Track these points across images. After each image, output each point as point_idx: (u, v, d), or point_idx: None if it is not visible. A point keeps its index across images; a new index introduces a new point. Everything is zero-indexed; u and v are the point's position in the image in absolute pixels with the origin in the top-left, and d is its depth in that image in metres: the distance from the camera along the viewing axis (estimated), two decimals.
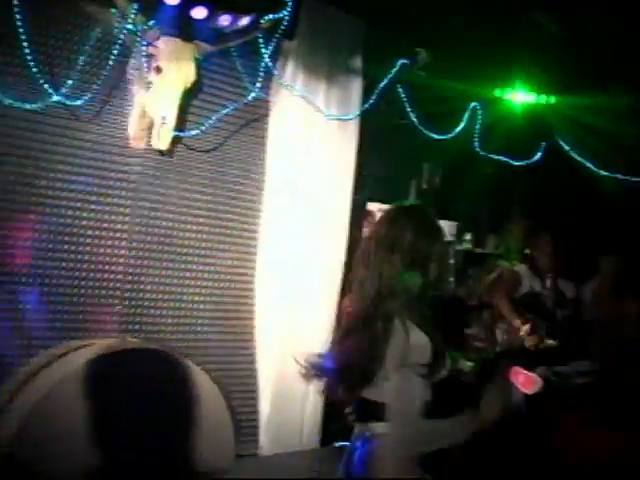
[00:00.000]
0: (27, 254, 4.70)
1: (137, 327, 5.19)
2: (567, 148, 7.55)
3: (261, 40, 5.21)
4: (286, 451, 5.72)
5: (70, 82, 4.55)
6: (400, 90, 6.28)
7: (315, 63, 5.69)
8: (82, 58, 4.62)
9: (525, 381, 5.42)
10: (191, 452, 4.82)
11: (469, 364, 5.97)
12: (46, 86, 4.44)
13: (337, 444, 6.11)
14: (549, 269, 6.28)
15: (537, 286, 6.17)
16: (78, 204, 4.89)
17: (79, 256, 4.92)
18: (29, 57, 4.34)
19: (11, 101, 4.36)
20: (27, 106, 4.44)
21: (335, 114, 5.82)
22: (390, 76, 6.02)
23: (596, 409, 4.26)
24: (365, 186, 6.48)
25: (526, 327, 5.85)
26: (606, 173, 7.70)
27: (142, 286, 5.22)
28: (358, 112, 5.91)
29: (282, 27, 5.23)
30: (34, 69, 4.37)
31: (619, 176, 7.52)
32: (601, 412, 4.09)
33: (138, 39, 4.77)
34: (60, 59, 4.65)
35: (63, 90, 4.52)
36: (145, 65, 4.80)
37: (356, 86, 5.95)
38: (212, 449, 4.99)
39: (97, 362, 4.46)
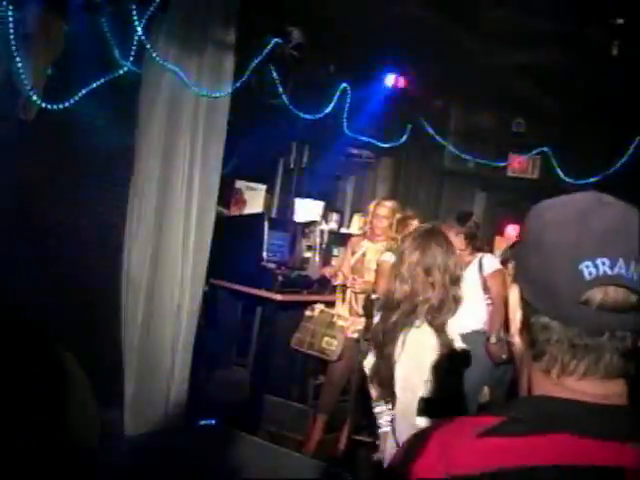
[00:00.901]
0: None
1: None
2: (431, 131, 7.78)
3: (134, 12, 5.08)
4: (151, 430, 5.67)
5: None
6: (272, 69, 6.26)
7: (188, 37, 5.56)
8: None
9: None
10: (53, 432, 4.71)
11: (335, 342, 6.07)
12: None
13: (202, 422, 6.13)
14: None
15: None
16: None
17: None
18: None
19: None
20: None
21: (207, 90, 5.74)
22: (263, 54, 5.99)
23: None
24: (233, 164, 6.45)
25: None
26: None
27: (3, 254, 5.02)
28: (230, 90, 5.85)
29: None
30: None
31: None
32: None
33: (4, 3, 4.56)
34: None
35: None
36: (12, 31, 4.59)
37: (229, 63, 5.87)
38: (75, 428, 4.88)
39: None
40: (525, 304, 1.23)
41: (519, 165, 8.70)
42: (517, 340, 1.29)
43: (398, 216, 6.07)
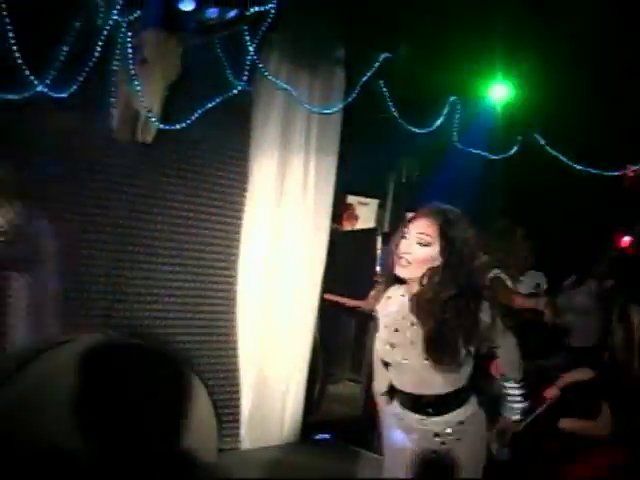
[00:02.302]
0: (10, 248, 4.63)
1: (119, 322, 5.13)
2: (542, 142, 7.61)
3: (246, 32, 5.17)
4: (267, 445, 5.72)
5: (54, 73, 4.46)
6: (381, 84, 6.27)
7: (299, 55, 5.66)
8: (66, 49, 4.52)
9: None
10: (175, 446, 4.81)
11: None
12: (30, 77, 4.36)
13: (317, 437, 6.16)
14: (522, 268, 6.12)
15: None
16: (60, 196, 4.82)
17: (60, 252, 4.85)
18: (13, 48, 4.25)
19: None
20: (10, 97, 4.35)
21: (318, 107, 5.79)
22: (373, 69, 6.00)
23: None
24: (346, 179, 6.47)
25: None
26: (581, 167, 7.79)
27: (123, 280, 5.17)
28: (341, 106, 5.89)
29: (268, 20, 5.18)
30: (18, 60, 4.29)
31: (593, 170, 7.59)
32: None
33: (123, 30, 4.71)
34: (44, 50, 4.54)
35: (47, 81, 4.44)
36: (130, 56, 4.73)
37: (339, 79, 5.93)
38: (195, 443, 4.98)
39: (82, 357, 4.44)
40: None
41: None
42: None
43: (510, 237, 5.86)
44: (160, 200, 5.30)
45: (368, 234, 6.04)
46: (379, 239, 6.05)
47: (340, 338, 7.27)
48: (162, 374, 4.76)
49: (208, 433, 5.11)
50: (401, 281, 3.19)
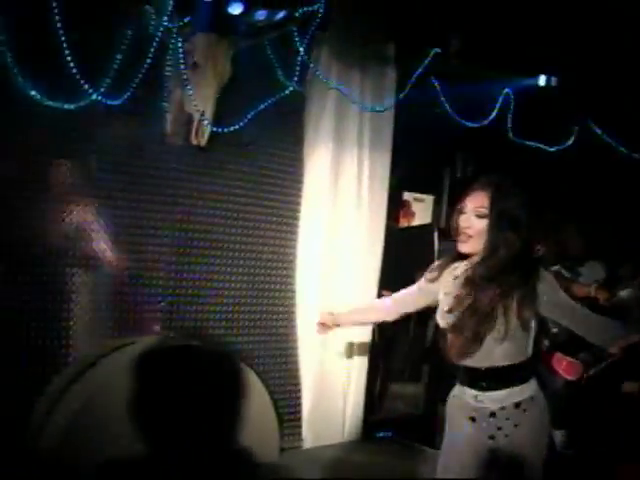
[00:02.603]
0: (69, 250, 4.72)
1: (179, 325, 5.20)
2: (599, 132, 7.49)
3: (295, 33, 5.19)
4: (329, 443, 5.74)
5: (108, 81, 4.52)
6: (433, 78, 6.23)
7: (349, 54, 5.66)
8: (119, 56, 4.57)
9: (567, 367, 5.39)
10: (237, 446, 4.85)
11: None
12: (85, 85, 4.43)
13: (379, 435, 6.15)
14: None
15: None
16: (118, 202, 4.90)
17: (119, 253, 4.93)
18: (67, 56, 4.32)
19: (51, 102, 4.35)
20: (66, 106, 4.43)
21: (370, 105, 5.79)
22: (424, 64, 5.97)
23: None
24: (400, 176, 6.45)
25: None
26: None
27: (183, 283, 5.23)
28: (393, 103, 5.87)
29: (316, 19, 5.19)
30: (72, 68, 4.36)
31: None
32: None
33: (174, 35, 4.76)
34: (97, 58, 4.60)
35: (101, 89, 4.50)
36: (182, 61, 4.79)
37: (390, 76, 5.92)
38: (257, 443, 5.02)
39: (143, 359, 4.51)
40: None
41: None
42: None
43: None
44: (218, 202, 5.35)
45: (424, 230, 6.01)
46: (436, 234, 6.00)
47: (400, 335, 7.24)
48: (222, 375, 4.81)
49: (269, 432, 5.15)
50: (463, 257, 3.26)
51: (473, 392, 3.26)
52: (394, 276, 6.03)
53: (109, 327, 4.92)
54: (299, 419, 5.71)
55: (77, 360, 4.67)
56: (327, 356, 5.70)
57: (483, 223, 3.12)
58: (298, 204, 5.68)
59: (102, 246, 4.81)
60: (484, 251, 3.14)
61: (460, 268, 3.28)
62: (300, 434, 5.70)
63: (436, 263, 3.47)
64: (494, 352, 3.14)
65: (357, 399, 5.89)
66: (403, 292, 3.71)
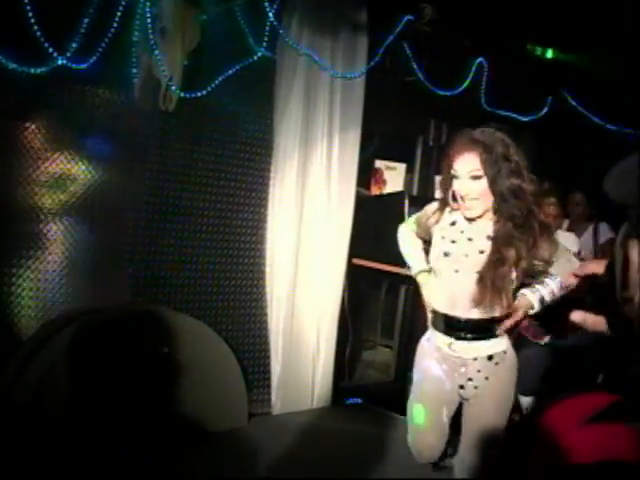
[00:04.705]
0: (39, 220, 4.71)
1: (147, 290, 5.20)
2: (573, 103, 7.50)
3: None
4: (298, 410, 5.78)
5: (74, 45, 4.49)
6: (405, 46, 6.21)
7: (320, 20, 5.61)
8: (86, 20, 4.53)
9: (534, 334, 5.44)
10: (204, 412, 4.88)
11: None
12: (50, 50, 4.40)
13: (348, 401, 6.18)
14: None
15: None
16: (85, 167, 4.87)
17: (90, 221, 4.92)
18: (32, 20, 4.28)
19: (15, 65, 4.31)
20: (32, 70, 4.39)
21: (341, 72, 5.76)
22: (396, 32, 5.94)
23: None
24: (372, 144, 6.44)
25: None
26: (613, 127, 7.66)
27: (151, 249, 5.22)
28: (364, 70, 5.85)
29: None
30: (38, 33, 4.32)
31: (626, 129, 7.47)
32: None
33: (142, 0, 4.72)
34: (63, 22, 4.55)
35: (68, 53, 4.47)
36: (150, 26, 4.75)
37: (361, 43, 5.86)
38: (225, 409, 5.05)
39: (107, 325, 4.52)
40: None
41: None
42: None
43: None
44: (187, 168, 5.32)
45: (396, 197, 5.98)
46: (407, 202, 6.00)
47: (371, 303, 7.27)
48: (189, 340, 4.81)
49: (238, 398, 5.17)
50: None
51: (448, 339, 3.30)
52: (366, 244, 6.05)
53: (79, 293, 4.91)
54: (268, 385, 5.72)
55: (44, 325, 4.68)
56: (296, 322, 5.72)
57: (482, 184, 3.14)
58: (268, 170, 5.65)
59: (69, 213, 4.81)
60: (498, 210, 3.19)
61: (455, 215, 3.34)
62: (269, 400, 5.72)
63: (432, 208, 3.49)
64: (480, 302, 3.20)
65: (327, 365, 5.90)
66: (409, 229, 3.74)
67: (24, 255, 4.68)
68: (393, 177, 6.94)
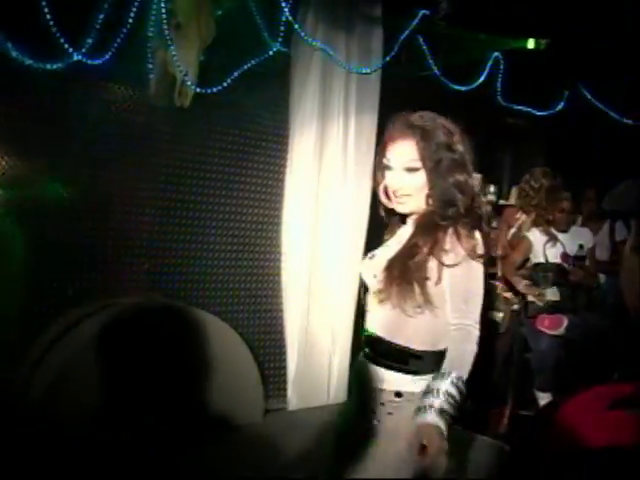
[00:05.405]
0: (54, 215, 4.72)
1: (163, 285, 5.20)
2: (589, 97, 7.45)
3: None
4: (313, 406, 5.77)
5: (90, 41, 4.48)
6: (421, 41, 6.17)
7: (335, 15, 5.60)
8: (101, 16, 4.53)
9: (549, 323, 5.43)
10: (219, 407, 4.88)
11: (500, 315, 5.93)
12: (66, 45, 4.40)
13: None
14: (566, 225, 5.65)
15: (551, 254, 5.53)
16: (100, 163, 4.88)
17: (105, 216, 4.93)
18: (48, 16, 4.28)
19: (31, 61, 4.32)
20: (47, 66, 4.39)
21: (356, 67, 5.74)
22: (411, 27, 5.91)
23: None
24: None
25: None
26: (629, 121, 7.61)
27: (168, 244, 5.23)
28: (379, 65, 5.83)
29: None
30: (53, 28, 4.32)
31: None
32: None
33: None
34: (79, 17, 4.55)
35: (83, 49, 4.46)
36: (165, 22, 4.74)
37: (376, 38, 5.86)
38: (241, 404, 5.05)
39: (124, 320, 4.53)
40: None
41: None
42: None
43: (546, 184, 5.58)
44: (202, 164, 5.34)
45: None
46: None
47: None
48: (206, 336, 4.82)
49: (254, 394, 5.17)
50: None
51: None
52: (383, 237, 6.03)
53: (95, 290, 4.93)
54: (284, 381, 5.74)
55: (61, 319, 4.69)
56: (313, 318, 5.71)
57: (419, 177, 2.55)
58: (284, 166, 5.65)
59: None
60: (437, 204, 2.55)
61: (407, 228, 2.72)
62: (285, 396, 5.73)
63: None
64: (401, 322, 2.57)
65: (343, 361, 5.89)
66: None
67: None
68: None
